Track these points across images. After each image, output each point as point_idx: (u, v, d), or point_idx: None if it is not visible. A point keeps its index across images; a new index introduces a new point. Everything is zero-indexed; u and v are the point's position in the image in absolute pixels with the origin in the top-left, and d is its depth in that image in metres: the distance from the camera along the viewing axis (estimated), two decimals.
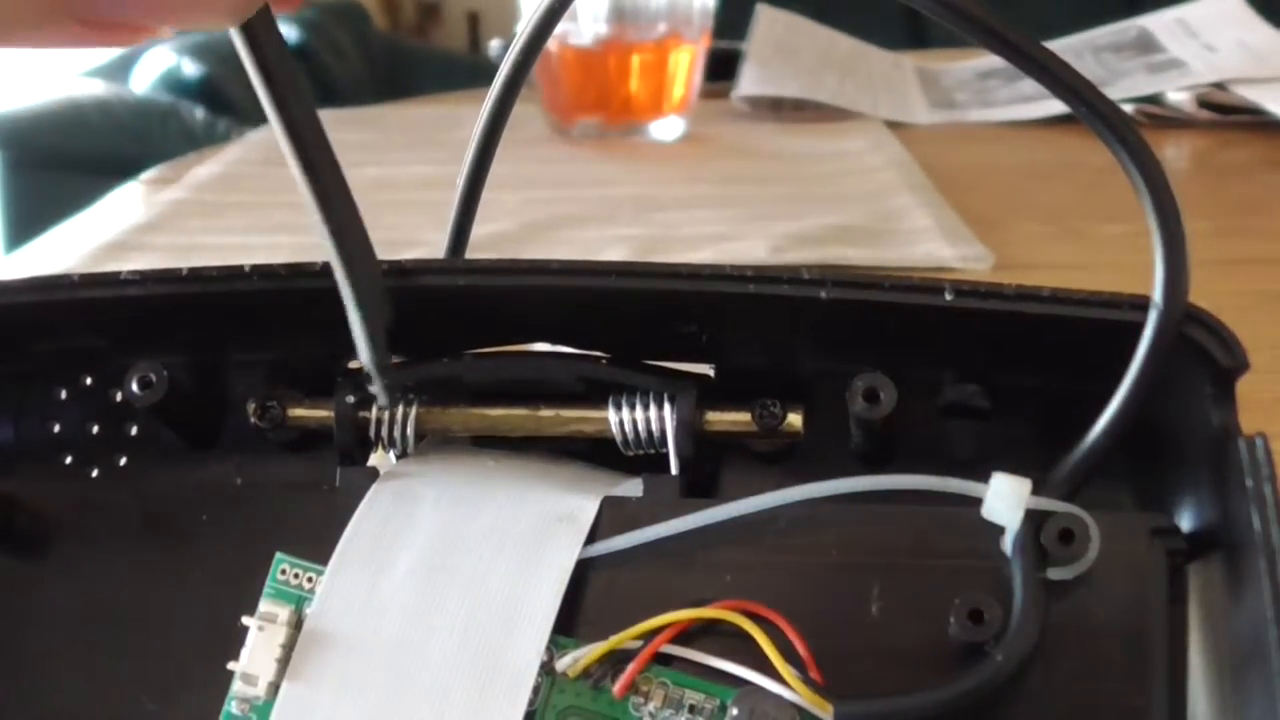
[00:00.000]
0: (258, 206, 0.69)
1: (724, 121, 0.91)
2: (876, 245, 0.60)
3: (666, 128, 0.86)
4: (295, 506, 0.26)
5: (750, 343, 0.26)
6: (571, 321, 0.27)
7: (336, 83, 1.71)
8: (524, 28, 0.26)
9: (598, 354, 0.27)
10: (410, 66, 2.02)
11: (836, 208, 0.66)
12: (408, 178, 0.76)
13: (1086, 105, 0.21)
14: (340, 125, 0.94)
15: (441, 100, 1.10)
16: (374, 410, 0.27)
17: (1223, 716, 0.22)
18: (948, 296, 0.23)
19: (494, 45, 1.46)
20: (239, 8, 0.18)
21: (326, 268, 0.25)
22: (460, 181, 0.28)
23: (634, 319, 0.26)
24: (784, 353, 0.26)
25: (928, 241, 0.59)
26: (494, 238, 0.61)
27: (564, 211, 0.67)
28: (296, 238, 0.61)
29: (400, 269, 0.26)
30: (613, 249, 0.60)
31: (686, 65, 0.85)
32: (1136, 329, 0.22)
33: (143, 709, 0.25)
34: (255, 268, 0.25)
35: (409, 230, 0.64)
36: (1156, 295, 0.22)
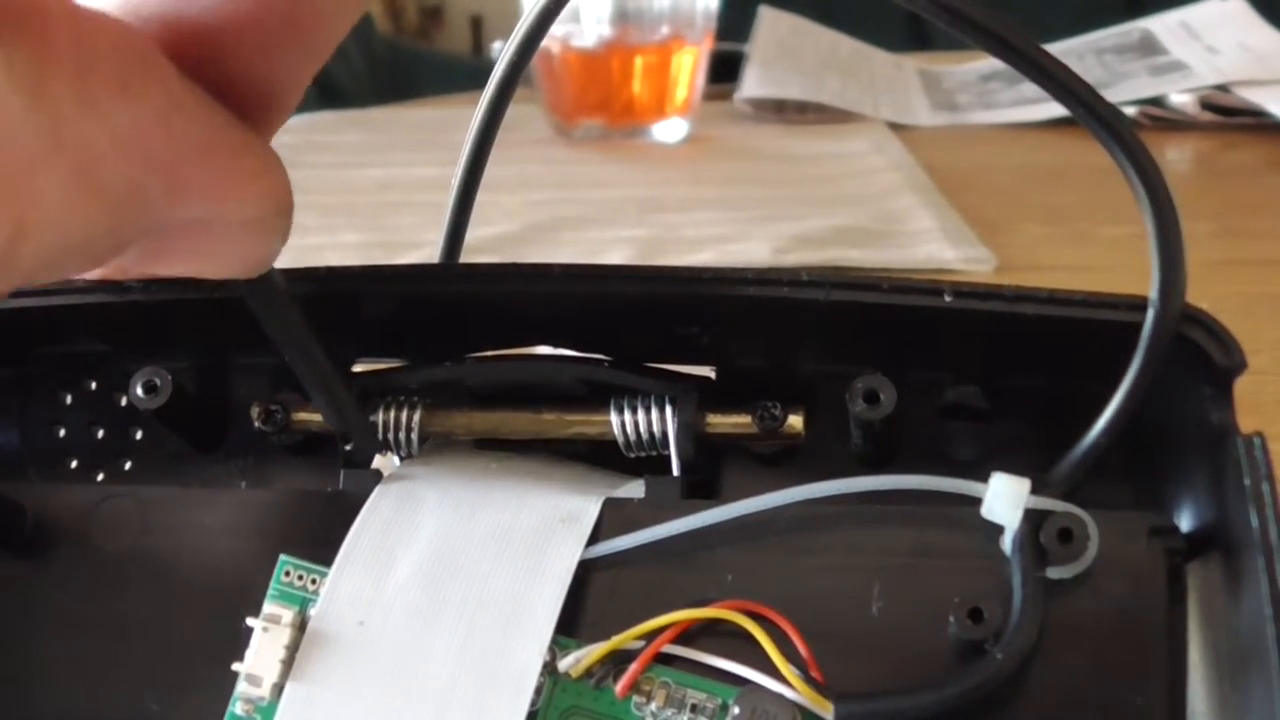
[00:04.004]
0: None
1: (727, 123, 0.91)
2: (879, 247, 0.60)
3: (669, 129, 0.86)
4: (299, 509, 0.26)
5: (751, 345, 0.26)
6: (573, 325, 0.27)
7: (339, 84, 1.71)
8: (518, 29, 0.26)
9: (599, 357, 0.27)
10: (413, 69, 2.02)
11: (839, 209, 0.66)
12: (410, 179, 0.76)
13: (1081, 103, 0.21)
14: (343, 127, 0.94)
15: (444, 102, 1.10)
16: (379, 414, 0.27)
17: (1222, 715, 0.22)
18: (947, 298, 0.23)
19: (496, 48, 1.46)
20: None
21: (330, 272, 0.25)
22: (454, 183, 0.28)
23: (635, 322, 0.26)
24: (784, 354, 0.26)
25: (930, 243, 0.59)
26: (496, 239, 0.61)
27: (566, 213, 0.67)
28: (299, 239, 0.61)
29: (403, 274, 0.26)
30: (615, 251, 0.61)
31: (689, 67, 0.85)
32: (1134, 329, 0.22)
33: (148, 710, 0.25)
34: None
35: (411, 231, 0.64)
36: (1153, 294, 0.22)
